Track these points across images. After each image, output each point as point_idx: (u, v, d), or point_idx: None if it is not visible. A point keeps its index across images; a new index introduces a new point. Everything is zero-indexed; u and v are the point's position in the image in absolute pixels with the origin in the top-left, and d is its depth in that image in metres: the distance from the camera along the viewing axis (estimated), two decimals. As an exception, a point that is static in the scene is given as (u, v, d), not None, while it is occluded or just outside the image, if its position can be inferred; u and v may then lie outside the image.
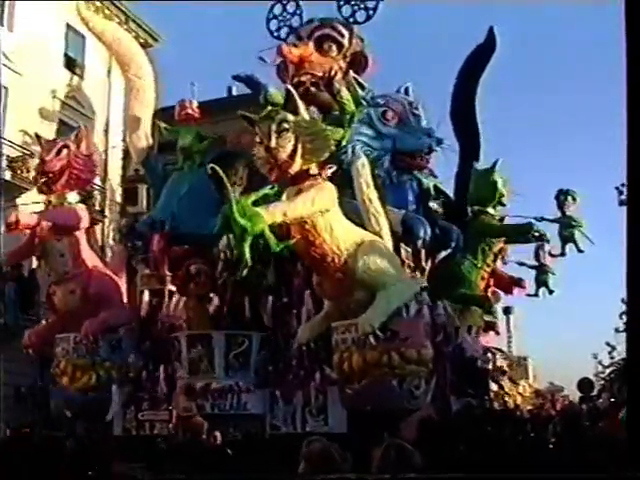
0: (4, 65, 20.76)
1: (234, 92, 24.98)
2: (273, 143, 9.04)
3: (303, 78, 12.47)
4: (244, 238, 8.48)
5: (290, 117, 9.23)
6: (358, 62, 13.03)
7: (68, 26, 22.82)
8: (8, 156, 20.21)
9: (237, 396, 11.03)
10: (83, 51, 23.53)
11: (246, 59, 13.17)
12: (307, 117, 9.61)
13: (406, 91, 12.43)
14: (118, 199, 24.11)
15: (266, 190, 9.09)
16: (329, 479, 4.78)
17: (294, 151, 9.07)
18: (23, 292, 18.87)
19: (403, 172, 11.77)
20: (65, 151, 12.69)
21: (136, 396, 11.80)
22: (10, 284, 18.51)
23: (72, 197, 13.04)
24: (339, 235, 9.58)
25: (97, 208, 22.94)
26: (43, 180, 12.62)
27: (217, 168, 9.06)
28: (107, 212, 23.62)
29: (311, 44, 12.74)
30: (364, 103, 11.68)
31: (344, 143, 10.37)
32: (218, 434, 9.65)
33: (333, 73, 12.53)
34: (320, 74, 12.54)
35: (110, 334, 12.39)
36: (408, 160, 11.75)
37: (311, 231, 9.35)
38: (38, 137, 13.53)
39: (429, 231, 11.05)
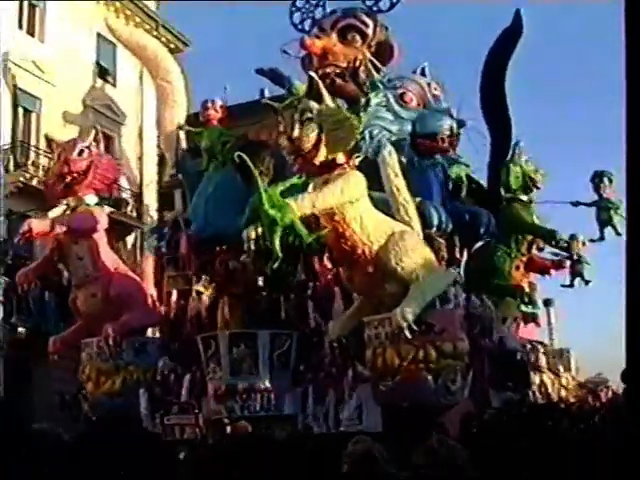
0: (37, 77, 20.94)
1: (266, 94, 24.79)
2: (296, 133, 8.82)
3: (328, 70, 12.18)
4: (274, 229, 8.21)
5: (314, 105, 8.99)
6: (383, 51, 12.71)
7: (99, 35, 22.89)
8: (44, 166, 20.26)
9: (267, 397, 10.80)
10: (114, 59, 23.56)
11: (277, 58, 12.89)
12: (331, 105, 9.32)
13: (423, 72, 12.14)
14: (154, 204, 24.10)
15: (293, 180, 8.84)
16: None
17: (318, 140, 8.83)
18: (63, 301, 18.88)
19: (425, 157, 11.36)
20: (87, 151, 12.56)
21: (164, 400, 11.49)
22: (50, 293, 18.54)
23: (90, 199, 12.70)
24: (369, 226, 9.27)
25: (133, 214, 22.97)
26: (67, 180, 12.36)
27: (244, 156, 8.86)
28: (144, 218, 23.62)
29: (334, 35, 12.45)
30: (380, 86, 11.36)
31: (361, 128, 10.06)
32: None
33: (357, 63, 12.26)
34: (344, 65, 12.28)
35: (133, 337, 12.16)
36: (429, 143, 11.34)
37: (340, 222, 9.05)
38: (49, 140, 13.31)
39: (444, 218, 10.62)
